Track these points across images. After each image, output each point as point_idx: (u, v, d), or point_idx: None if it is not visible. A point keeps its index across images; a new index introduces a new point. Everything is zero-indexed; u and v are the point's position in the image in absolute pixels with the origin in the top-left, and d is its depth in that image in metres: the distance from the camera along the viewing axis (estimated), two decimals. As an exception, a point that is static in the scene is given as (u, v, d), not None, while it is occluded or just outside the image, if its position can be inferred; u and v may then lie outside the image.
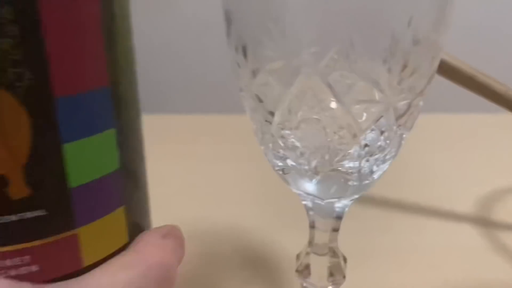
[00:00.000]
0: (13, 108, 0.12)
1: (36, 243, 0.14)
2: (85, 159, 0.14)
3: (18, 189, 0.13)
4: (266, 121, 0.18)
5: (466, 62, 0.29)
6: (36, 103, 0.13)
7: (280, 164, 0.19)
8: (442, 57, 0.29)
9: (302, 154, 0.18)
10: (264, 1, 0.16)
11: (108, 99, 0.15)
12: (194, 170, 0.44)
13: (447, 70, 0.29)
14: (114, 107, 0.15)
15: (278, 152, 0.18)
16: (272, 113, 0.17)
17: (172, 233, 0.16)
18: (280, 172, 0.19)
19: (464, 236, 0.33)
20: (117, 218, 0.16)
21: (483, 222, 0.35)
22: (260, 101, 0.17)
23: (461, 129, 0.54)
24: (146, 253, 0.15)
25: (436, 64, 0.17)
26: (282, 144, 0.18)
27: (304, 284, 0.22)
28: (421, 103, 0.17)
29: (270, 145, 0.18)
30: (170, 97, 0.81)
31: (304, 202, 0.21)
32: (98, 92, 0.14)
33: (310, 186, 0.19)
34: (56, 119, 0.13)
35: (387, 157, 0.18)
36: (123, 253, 0.15)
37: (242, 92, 0.19)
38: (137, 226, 0.17)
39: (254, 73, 0.17)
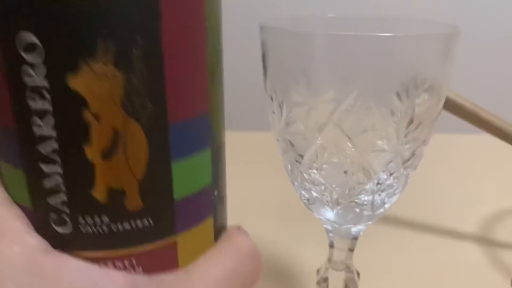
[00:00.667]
0: (135, 132, 0.15)
1: (141, 248, 0.17)
2: (188, 174, 0.17)
3: (133, 201, 0.16)
4: (296, 161, 0.22)
5: (470, 100, 0.33)
6: (154, 128, 0.15)
7: (306, 195, 0.23)
8: (447, 95, 0.33)
9: (326, 189, 0.21)
10: (294, 56, 0.20)
11: (207, 123, 0.17)
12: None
13: (451, 107, 0.32)
14: (211, 130, 0.18)
15: (305, 186, 0.22)
16: (301, 156, 0.21)
17: (239, 227, 0.18)
18: (306, 202, 0.23)
19: (468, 254, 0.36)
20: (207, 226, 0.18)
21: (486, 241, 0.38)
22: (292, 145, 0.21)
23: (466, 150, 0.57)
24: (236, 241, 0.17)
25: (438, 112, 0.21)
26: (309, 180, 0.22)
27: (324, 295, 0.26)
28: (424, 149, 0.21)
29: (299, 179, 0.22)
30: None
31: (324, 226, 0.25)
32: (201, 117, 0.17)
33: (331, 214, 0.23)
34: (168, 141, 0.16)
35: (396, 191, 0.22)
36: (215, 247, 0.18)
37: (275, 136, 0.22)
38: (221, 233, 0.20)
39: (287, 124, 0.21)
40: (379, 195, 0.21)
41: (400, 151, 0.20)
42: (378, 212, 0.22)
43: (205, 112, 0.17)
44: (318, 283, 0.26)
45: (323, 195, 0.22)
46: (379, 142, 0.19)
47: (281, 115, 0.21)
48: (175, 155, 0.16)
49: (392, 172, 0.20)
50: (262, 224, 0.40)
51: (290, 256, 0.36)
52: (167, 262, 0.17)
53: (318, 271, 0.26)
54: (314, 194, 0.22)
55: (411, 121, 0.20)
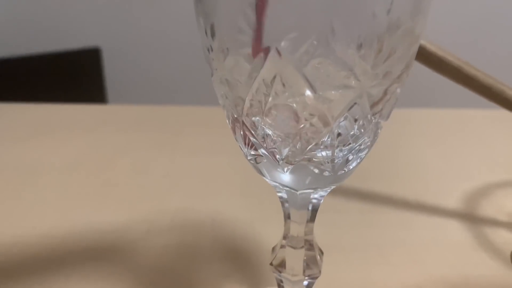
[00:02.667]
0: None
1: None
2: None
3: None
4: (236, 107, 0.17)
5: (455, 54, 0.28)
6: None
7: (252, 153, 0.18)
8: (429, 48, 0.28)
9: (274, 142, 0.17)
10: None
11: None
12: (177, 161, 0.43)
13: (433, 61, 0.28)
14: None
15: (250, 141, 0.17)
16: (242, 99, 0.16)
17: None
18: (253, 162, 0.19)
19: (450, 231, 0.33)
20: None
21: (470, 217, 0.34)
22: (230, 86, 0.17)
23: (449, 124, 0.53)
24: None
25: (414, 50, 0.17)
26: (253, 132, 0.17)
27: (279, 278, 0.21)
28: (398, 90, 0.17)
29: (241, 132, 0.18)
30: (157, 89, 0.80)
31: (279, 194, 0.20)
32: None
33: (284, 176, 0.18)
34: None
35: (362, 146, 0.17)
36: None
37: (213, 77, 0.18)
38: None
39: (225, 55, 0.16)
40: (341, 150, 0.17)
41: (367, 88, 0.15)
42: (340, 173, 0.18)
43: None
44: (272, 263, 0.21)
45: (271, 150, 0.17)
46: (339, 77, 0.15)
47: (218, 47, 0.17)
48: None
49: (356, 117, 0.16)
50: (218, 202, 0.36)
51: (249, 236, 0.32)
52: None
53: (273, 249, 0.22)
54: (262, 151, 0.18)
55: (379, 50, 0.15)
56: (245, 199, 0.36)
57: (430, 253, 0.30)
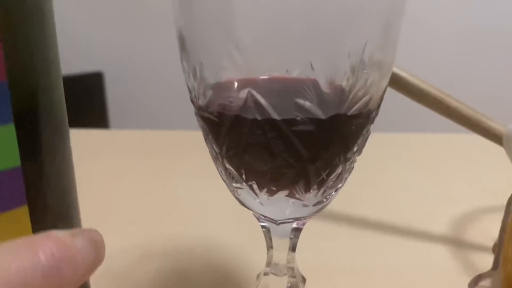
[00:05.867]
0: None
1: None
2: None
3: None
4: (216, 144, 0.18)
5: (436, 87, 0.30)
6: None
7: (233, 185, 0.19)
8: (411, 80, 0.29)
9: (253, 177, 0.18)
10: (225, 26, 0.17)
11: (5, 92, 0.14)
12: (174, 185, 0.44)
13: (416, 93, 0.29)
14: (12, 101, 0.14)
15: (230, 174, 0.19)
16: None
17: (86, 234, 0.14)
18: (234, 193, 0.20)
19: (436, 256, 0.33)
20: (18, 217, 0.15)
21: (456, 242, 0.35)
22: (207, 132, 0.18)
23: (436, 149, 0.54)
24: (38, 243, 0.12)
25: (385, 83, 0.18)
26: (232, 168, 0.18)
27: (263, 305, 0.22)
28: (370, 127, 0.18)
29: (221, 169, 0.19)
30: (155, 114, 0.81)
31: (261, 224, 0.21)
32: None
33: (263, 208, 0.19)
34: None
35: (341, 184, 0.18)
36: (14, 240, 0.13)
37: (196, 115, 0.19)
38: (46, 228, 0.16)
39: (206, 96, 0.17)
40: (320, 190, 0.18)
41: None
42: (321, 205, 0.19)
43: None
44: (257, 286, 0.22)
45: (250, 184, 0.18)
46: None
47: (205, 90, 0.18)
48: None
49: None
50: (211, 228, 0.37)
51: (240, 261, 0.32)
52: None
53: (257, 276, 0.23)
54: (241, 183, 0.19)
55: (352, 84, 0.16)
56: (237, 224, 0.37)
57: (416, 277, 0.31)
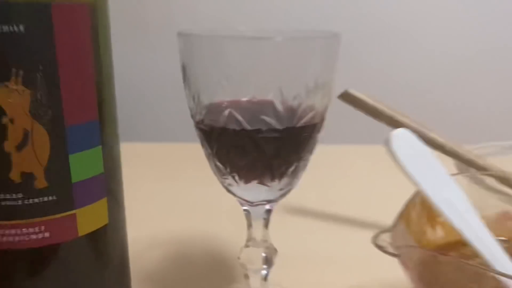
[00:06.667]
0: (40, 132, 0.21)
1: (49, 217, 0.22)
2: (81, 164, 0.22)
3: (40, 182, 0.21)
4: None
5: (386, 104, 0.37)
6: (54, 129, 0.21)
7: (222, 176, 0.27)
8: (367, 101, 0.37)
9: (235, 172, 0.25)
10: (218, 64, 0.24)
11: (97, 127, 0.23)
12: (174, 190, 0.52)
13: (372, 111, 0.37)
14: (101, 133, 0.23)
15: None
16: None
17: None
18: (223, 183, 0.27)
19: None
20: (102, 204, 0.24)
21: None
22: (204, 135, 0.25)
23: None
24: None
25: (327, 102, 0.25)
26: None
27: (245, 267, 0.29)
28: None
29: (213, 165, 0.26)
30: (166, 127, 0.89)
31: (243, 208, 0.28)
32: (92, 123, 0.23)
33: (242, 193, 0.27)
34: (65, 139, 0.22)
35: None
36: None
37: (195, 127, 0.26)
38: (116, 213, 0.25)
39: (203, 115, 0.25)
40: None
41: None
42: (286, 190, 0.26)
43: (94, 120, 0.23)
44: (239, 258, 0.29)
45: (233, 175, 0.26)
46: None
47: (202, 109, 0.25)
48: (71, 150, 0.22)
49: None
50: (208, 224, 0.45)
51: (229, 246, 0.40)
52: (69, 230, 0.23)
53: (240, 249, 0.30)
54: (227, 176, 0.26)
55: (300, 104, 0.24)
56: (228, 220, 0.44)
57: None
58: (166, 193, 0.51)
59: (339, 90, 0.34)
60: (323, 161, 0.40)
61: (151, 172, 0.57)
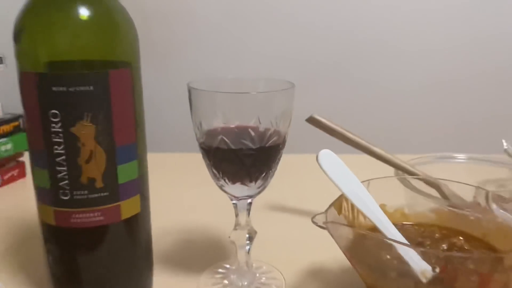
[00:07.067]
0: (100, 151, 0.33)
1: (103, 207, 0.34)
2: (125, 172, 0.34)
3: (99, 184, 0.33)
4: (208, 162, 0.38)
5: (341, 125, 0.49)
6: (108, 149, 0.33)
7: (217, 179, 0.39)
8: (324, 121, 0.49)
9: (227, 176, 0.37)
10: (215, 104, 0.36)
11: (135, 147, 0.35)
12: (185, 191, 0.64)
13: (328, 129, 0.49)
14: (137, 151, 0.35)
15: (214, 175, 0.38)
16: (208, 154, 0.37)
17: None
18: (217, 183, 0.39)
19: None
20: (137, 198, 0.36)
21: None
22: (206, 152, 0.38)
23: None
24: None
25: (287, 124, 0.37)
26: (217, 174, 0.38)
27: (234, 244, 0.41)
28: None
29: (211, 172, 0.38)
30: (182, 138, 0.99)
31: (232, 202, 0.40)
32: (132, 144, 0.35)
33: (231, 190, 0.39)
34: (115, 155, 0.34)
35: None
36: None
37: (199, 146, 0.39)
38: (144, 206, 0.37)
39: (205, 139, 0.37)
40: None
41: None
42: (262, 188, 0.38)
43: (133, 142, 0.35)
44: (230, 237, 0.41)
45: (224, 177, 0.38)
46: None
47: (203, 135, 0.37)
48: (119, 162, 0.34)
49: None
50: (209, 216, 0.57)
51: (222, 231, 0.52)
52: (115, 215, 0.35)
53: (231, 232, 0.42)
54: (220, 179, 0.38)
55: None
56: (222, 213, 0.56)
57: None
58: (176, 192, 0.64)
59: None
60: (290, 168, 0.55)
61: (167, 177, 0.69)
